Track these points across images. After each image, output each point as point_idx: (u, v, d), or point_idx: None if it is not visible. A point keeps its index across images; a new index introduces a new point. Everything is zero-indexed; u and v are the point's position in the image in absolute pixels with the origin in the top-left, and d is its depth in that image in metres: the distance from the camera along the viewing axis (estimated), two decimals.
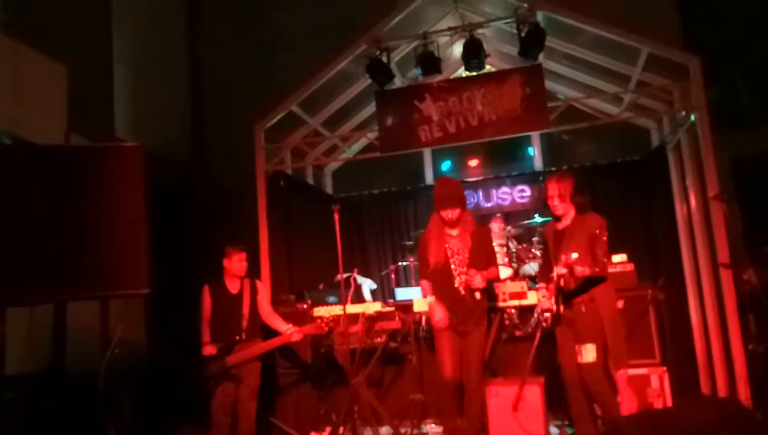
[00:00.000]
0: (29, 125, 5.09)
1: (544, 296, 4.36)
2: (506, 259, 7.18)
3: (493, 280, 4.73)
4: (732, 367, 5.41)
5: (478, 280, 4.24)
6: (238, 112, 7.86)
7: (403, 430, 5.26)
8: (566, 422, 5.03)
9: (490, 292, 4.92)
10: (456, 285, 4.35)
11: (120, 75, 7.08)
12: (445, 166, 8.95)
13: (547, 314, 4.24)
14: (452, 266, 4.38)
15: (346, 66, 6.73)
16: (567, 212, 4.23)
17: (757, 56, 6.88)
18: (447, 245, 4.41)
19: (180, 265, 7.28)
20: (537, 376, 4.94)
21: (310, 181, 8.30)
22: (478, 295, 4.31)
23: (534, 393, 4.83)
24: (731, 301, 5.43)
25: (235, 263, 4.99)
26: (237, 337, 4.85)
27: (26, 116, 5.13)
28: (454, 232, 4.42)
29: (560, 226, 4.29)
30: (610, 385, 4.17)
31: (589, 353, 4.00)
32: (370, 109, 7.52)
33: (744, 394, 5.18)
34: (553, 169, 8.17)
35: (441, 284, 4.41)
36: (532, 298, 5.28)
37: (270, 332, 5.04)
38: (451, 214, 4.33)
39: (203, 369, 4.76)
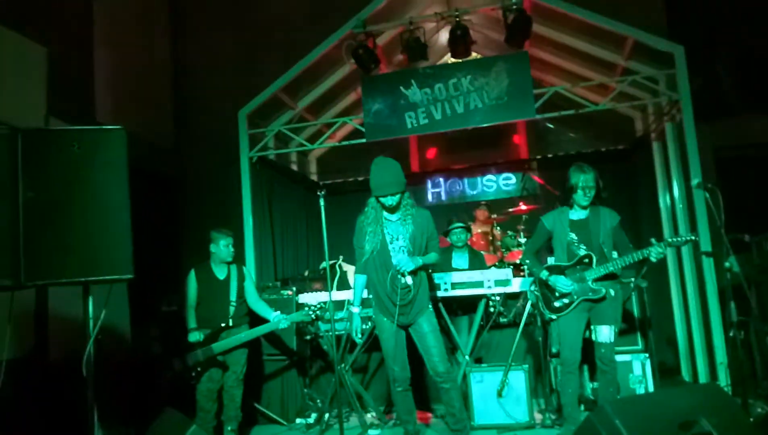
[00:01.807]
0: (7, 107, 5.01)
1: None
2: (490, 247, 7.22)
3: (431, 266, 4.42)
4: (713, 354, 5.50)
5: (405, 262, 3.95)
6: (222, 97, 7.79)
7: (387, 416, 5.27)
8: (550, 408, 5.08)
9: (430, 281, 4.70)
10: (395, 274, 4.03)
11: (101, 59, 6.96)
12: (431, 153, 8.96)
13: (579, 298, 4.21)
14: (390, 253, 4.08)
15: (331, 51, 6.68)
16: (590, 203, 4.24)
17: (742, 46, 6.93)
18: (385, 231, 4.12)
19: (164, 251, 7.22)
20: (522, 363, 4.98)
21: (295, 167, 8.26)
22: (408, 279, 3.98)
23: (519, 379, 4.88)
24: (713, 290, 5.51)
25: (222, 248, 4.94)
26: (223, 324, 4.82)
27: (5, 98, 5.04)
28: (394, 217, 4.14)
29: (576, 216, 4.29)
30: None
31: (611, 334, 4.16)
32: (356, 94, 7.48)
33: (724, 380, 5.26)
34: (539, 157, 8.21)
35: (378, 273, 4.12)
36: (516, 285, 5.30)
37: (256, 319, 5.02)
38: (390, 200, 4.03)
39: (189, 355, 4.73)
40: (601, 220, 4.23)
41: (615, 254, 4.21)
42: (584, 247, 4.22)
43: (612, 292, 4.18)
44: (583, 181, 4.17)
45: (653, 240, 4.01)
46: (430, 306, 4.17)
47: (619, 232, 4.24)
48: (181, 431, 3.59)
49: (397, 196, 4.05)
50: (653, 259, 4.01)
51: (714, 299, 5.50)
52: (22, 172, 2.85)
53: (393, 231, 4.12)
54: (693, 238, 4.11)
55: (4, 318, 3.27)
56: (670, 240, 4.05)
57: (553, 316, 4.32)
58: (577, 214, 4.30)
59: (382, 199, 4.06)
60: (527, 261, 4.57)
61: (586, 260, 4.20)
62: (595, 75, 6.92)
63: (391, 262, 4.06)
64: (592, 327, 4.26)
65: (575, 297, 4.21)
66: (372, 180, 4.07)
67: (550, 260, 4.52)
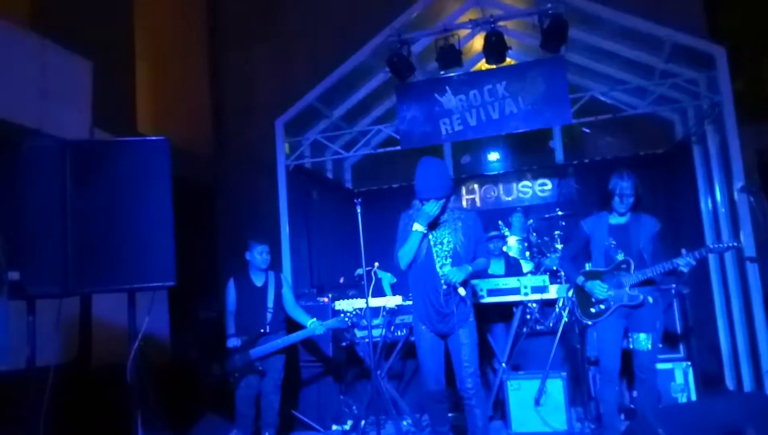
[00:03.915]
0: (54, 119, 5.16)
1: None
2: (528, 253, 7.17)
3: (481, 272, 4.23)
4: (758, 362, 5.35)
5: (454, 273, 3.75)
6: (259, 107, 7.92)
7: (424, 423, 5.26)
8: (588, 416, 5.01)
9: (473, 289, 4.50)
10: (438, 279, 3.83)
11: (142, 72, 7.14)
12: (465, 160, 8.95)
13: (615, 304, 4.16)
14: (435, 258, 3.86)
15: (367, 59, 6.73)
16: (629, 210, 4.19)
17: None
18: (429, 233, 3.88)
19: (203, 258, 7.34)
20: (559, 370, 4.92)
21: (330, 175, 8.33)
22: (462, 290, 3.79)
23: (556, 387, 4.82)
24: (757, 296, 5.37)
25: (257, 256, 5.02)
26: (261, 330, 4.89)
27: (52, 110, 5.20)
28: (440, 219, 3.90)
29: (616, 221, 4.24)
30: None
31: (648, 341, 4.08)
32: (390, 102, 7.52)
33: None
34: (575, 162, 8.12)
35: (421, 278, 3.91)
36: (553, 292, 5.25)
37: (293, 325, 5.08)
38: (434, 205, 3.78)
39: (228, 361, 4.81)
40: (642, 227, 4.17)
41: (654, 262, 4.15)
42: (622, 253, 4.16)
43: (650, 299, 4.11)
44: (620, 188, 4.11)
45: (683, 250, 3.92)
46: (473, 317, 3.95)
47: (659, 241, 4.17)
48: None
49: (441, 200, 3.81)
50: (683, 270, 3.92)
51: (759, 305, 5.36)
52: (71, 182, 2.95)
53: (437, 235, 3.91)
54: (735, 244, 4.02)
55: (52, 325, 3.38)
56: (711, 246, 3.96)
57: (589, 322, 4.27)
58: (616, 219, 4.24)
59: (426, 205, 3.82)
60: (564, 266, 4.52)
61: (624, 266, 4.14)
62: (633, 78, 6.82)
63: (434, 268, 3.86)
64: (629, 335, 4.20)
65: (612, 303, 4.15)
66: (416, 182, 3.84)
67: (588, 267, 4.47)
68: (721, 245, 4.01)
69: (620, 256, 4.15)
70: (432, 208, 3.78)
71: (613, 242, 4.19)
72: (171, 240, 3.08)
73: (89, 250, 2.98)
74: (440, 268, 3.85)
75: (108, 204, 3.03)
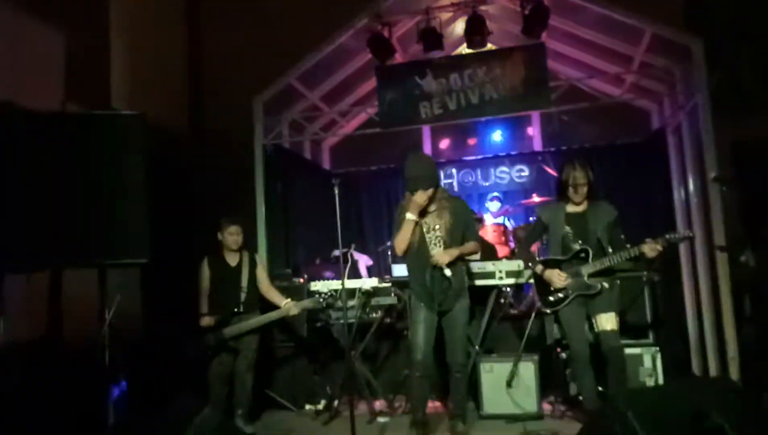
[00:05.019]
0: (26, 92, 5.03)
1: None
2: (503, 239, 7.22)
3: (470, 255, 4.44)
4: (724, 348, 5.47)
5: (440, 255, 4.10)
6: (237, 85, 7.79)
7: (397, 404, 5.31)
8: (558, 399, 5.08)
9: (467, 270, 4.71)
10: (431, 262, 4.15)
11: (117, 46, 6.99)
12: (444, 144, 8.95)
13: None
14: (428, 243, 4.19)
15: (347, 40, 6.67)
16: (584, 198, 4.26)
17: (761, 39, 6.83)
18: (422, 220, 4.22)
19: (177, 236, 7.26)
20: (531, 354, 4.98)
21: (308, 156, 8.28)
22: (447, 271, 4.08)
23: (528, 370, 4.88)
24: (726, 284, 5.47)
25: (227, 236, 4.99)
26: (235, 310, 4.87)
27: (23, 83, 5.07)
28: (430, 208, 4.23)
29: (573, 209, 4.30)
30: None
31: (612, 321, 4.17)
32: (370, 84, 7.47)
33: (734, 376, 5.24)
34: (553, 149, 8.17)
35: (416, 261, 4.24)
36: (528, 276, 5.29)
37: (268, 306, 5.06)
38: (423, 196, 4.10)
39: (201, 340, 4.79)
40: (599, 215, 4.23)
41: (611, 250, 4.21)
42: (580, 242, 4.21)
43: (606, 285, 4.18)
44: (573, 178, 4.19)
45: (649, 239, 4.02)
46: (467, 297, 4.28)
47: (615, 228, 4.24)
48: (194, 414, 3.63)
49: (429, 191, 4.11)
50: (649, 256, 4.02)
51: (727, 294, 5.46)
52: (41, 155, 2.89)
53: (429, 222, 4.23)
54: (690, 235, 4.16)
55: (21, 300, 3.33)
56: (668, 236, 4.04)
57: (548, 311, 4.34)
58: (573, 207, 4.29)
59: (415, 194, 4.11)
60: (522, 254, 4.58)
61: (582, 255, 4.20)
62: (612, 67, 6.86)
63: (428, 252, 4.16)
64: (591, 319, 4.27)
65: (570, 292, 4.21)
66: (405, 174, 4.17)
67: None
68: (677, 235, 4.09)
69: (577, 245, 4.20)
70: (421, 197, 4.09)
71: (570, 231, 4.24)
72: (145, 216, 3.05)
73: (60, 225, 2.94)
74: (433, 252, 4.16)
75: (80, 178, 2.99)
